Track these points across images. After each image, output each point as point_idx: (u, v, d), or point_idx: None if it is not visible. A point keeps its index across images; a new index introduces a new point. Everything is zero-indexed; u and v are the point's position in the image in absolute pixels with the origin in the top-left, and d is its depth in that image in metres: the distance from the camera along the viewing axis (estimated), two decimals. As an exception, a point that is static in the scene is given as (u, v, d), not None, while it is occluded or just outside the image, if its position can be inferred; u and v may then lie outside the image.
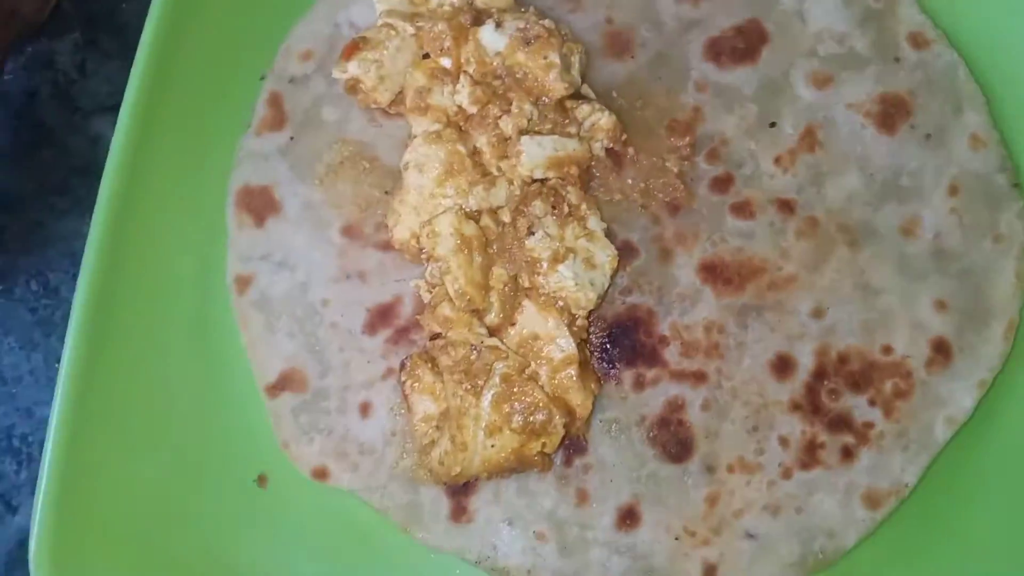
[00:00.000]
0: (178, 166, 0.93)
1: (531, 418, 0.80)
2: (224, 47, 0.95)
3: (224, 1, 0.96)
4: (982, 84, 0.92)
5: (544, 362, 0.83)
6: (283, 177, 0.93)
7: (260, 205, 0.93)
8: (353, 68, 0.89)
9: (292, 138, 0.94)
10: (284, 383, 0.89)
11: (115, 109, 0.90)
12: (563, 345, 0.82)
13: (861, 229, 0.89)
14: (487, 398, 0.80)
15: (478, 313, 0.83)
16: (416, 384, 0.83)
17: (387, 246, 0.90)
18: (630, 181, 0.90)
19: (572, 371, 0.82)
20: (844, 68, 0.92)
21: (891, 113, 0.91)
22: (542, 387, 0.81)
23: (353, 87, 0.90)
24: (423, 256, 0.85)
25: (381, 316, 0.90)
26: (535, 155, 0.85)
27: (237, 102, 0.95)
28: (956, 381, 0.86)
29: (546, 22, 0.87)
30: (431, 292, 0.85)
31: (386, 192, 0.91)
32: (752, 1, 0.93)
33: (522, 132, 0.85)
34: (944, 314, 0.87)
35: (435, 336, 0.84)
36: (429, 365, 0.83)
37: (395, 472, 0.86)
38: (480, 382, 0.81)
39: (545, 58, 0.86)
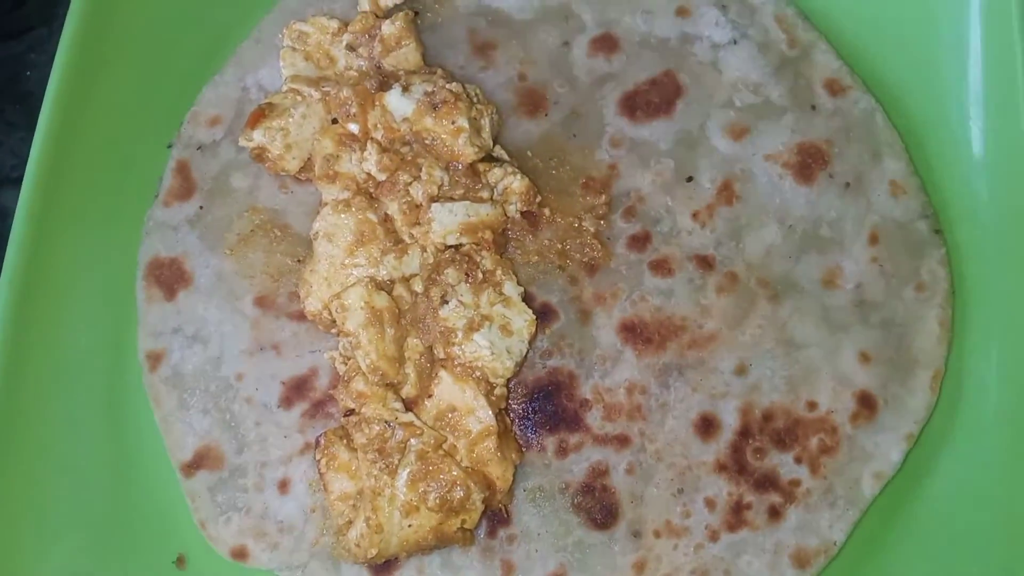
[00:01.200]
0: (85, 240, 0.91)
1: (448, 495, 0.78)
2: (129, 115, 0.93)
3: (129, 68, 0.93)
4: (901, 129, 0.91)
5: (462, 434, 0.81)
6: (193, 248, 0.90)
7: (170, 277, 0.90)
8: (259, 136, 0.87)
9: (201, 207, 0.91)
10: (200, 461, 0.87)
11: (20, 181, 0.88)
12: (481, 416, 0.80)
13: (782, 282, 0.87)
14: (402, 477, 0.78)
15: (393, 386, 0.81)
16: (331, 462, 0.81)
17: (301, 316, 0.87)
18: (547, 242, 0.88)
19: (491, 443, 0.80)
20: (760, 118, 0.91)
21: (809, 163, 0.90)
22: (459, 462, 0.79)
23: (260, 155, 0.88)
24: (334, 330, 0.83)
25: (297, 389, 0.87)
26: (447, 222, 0.83)
27: (144, 172, 0.93)
28: (882, 434, 0.85)
29: (453, 85, 0.85)
30: (346, 364, 0.83)
31: (299, 261, 0.89)
32: (666, 53, 0.92)
33: (433, 199, 0.84)
34: (868, 366, 0.86)
35: (349, 412, 0.81)
36: (344, 442, 0.81)
37: (316, 550, 0.84)
38: (395, 460, 0.79)
39: (453, 123, 0.84)
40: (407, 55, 0.89)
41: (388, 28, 0.89)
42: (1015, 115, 0.86)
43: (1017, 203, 0.86)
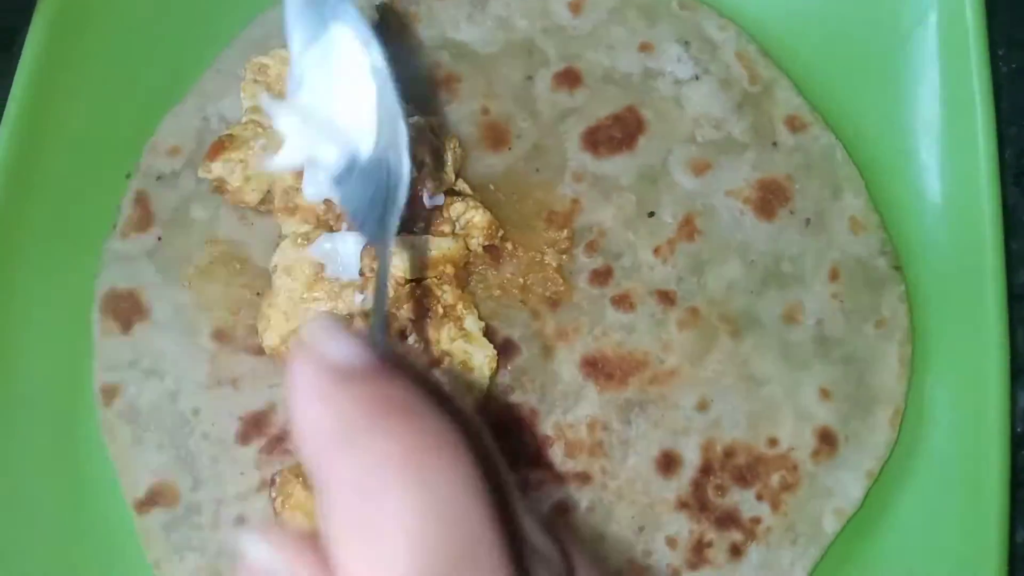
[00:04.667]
0: (42, 271, 0.89)
1: (405, 534, 0.77)
2: (88, 145, 0.92)
3: (88, 98, 0.92)
4: (861, 166, 0.92)
5: (420, 472, 0.79)
6: (151, 280, 0.89)
7: (127, 310, 0.89)
8: (218, 168, 0.86)
9: (160, 239, 0.90)
10: (154, 498, 0.85)
11: (-25, 212, 0.86)
12: (439, 454, 0.79)
13: (743, 318, 0.87)
14: (358, 515, 0.77)
15: (351, 423, 0.79)
16: (287, 501, 0.79)
17: (260, 351, 0.86)
18: (509, 276, 0.88)
19: (449, 481, 0.79)
20: (722, 154, 0.91)
21: (770, 199, 0.90)
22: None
23: (220, 187, 0.87)
24: (292, 365, 0.81)
25: (254, 425, 0.86)
26: (407, 256, 0.83)
27: (103, 202, 0.91)
28: (843, 471, 0.85)
29: (415, 119, 0.85)
30: (303, 400, 0.82)
31: (258, 294, 0.87)
32: (628, 88, 0.92)
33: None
34: (829, 403, 0.86)
35: (305, 450, 0.80)
36: (300, 480, 0.79)
37: (271, 590, 0.82)
38: (351, 498, 0.77)
39: (415, 157, 0.83)
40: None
41: None
42: (972, 153, 0.87)
43: (974, 240, 0.87)
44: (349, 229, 0.81)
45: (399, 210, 0.65)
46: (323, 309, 0.82)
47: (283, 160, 0.65)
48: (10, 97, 0.88)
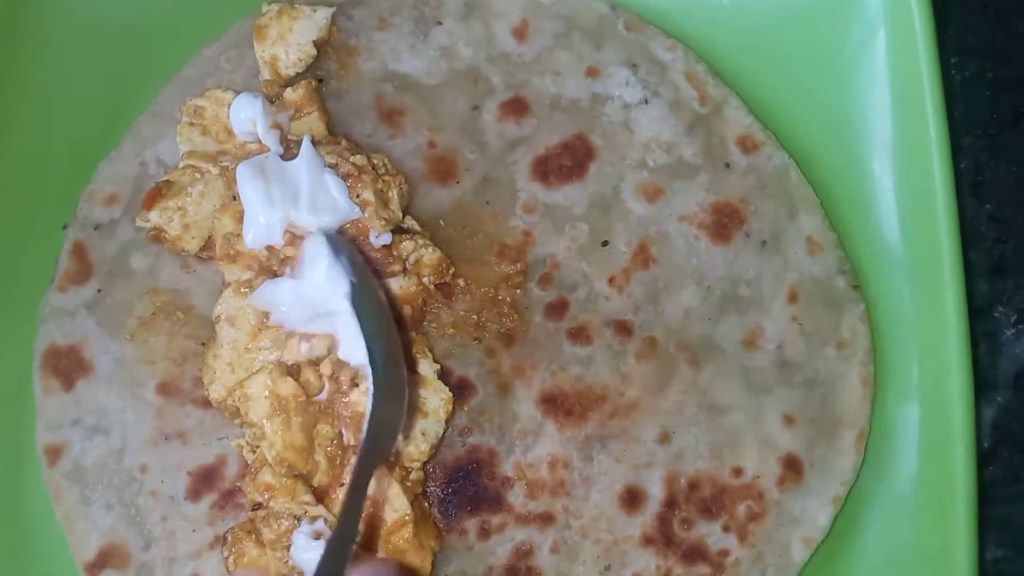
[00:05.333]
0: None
1: (363, 590, 0.74)
2: (22, 196, 0.89)
3: (20, 145, 0.89)
4: (816, 184, 0.90)
5: (378, 523, 0.77)
6: (92, 334, 0.86)
7: (68, 366, 0.86)
8: (155, 217, 0.83)
9: (100, 290, 0.87)
10: (104, 560, 0.83)
11: (-95, 268, 0.83)
12: (396, 505, 0.77)
13: (702, 345, 0.86)
14: (314, 573, 0.74)
15: (303, 476, 0.77)
16: (240, 559, 0.77)
17: (208, 403, 0.84)
18: (462, 314, 0.86)
19: (407, 532, 0.77)
20: (674, 178, 0.89)
21: (725, 222, 0.88)
22: (376, 554, 0.76)
23: (158, 236, 0.84)
24: (238, 420, 0.79)
25: (204, 479, 0.83)
26: (356, 299, 0.80)
27: (39, 255, 0.88)
28: (809, 498, 0.84)
29: (357, 158, 0.83)
30: (253, 453, 0.79)
31: (203, 344, 0.85)
32: (576, 115, 0.90)
33: (339, 276, 0.80)
34: (792, 428, 0.85)
35: (257, 506, 0.78)
36: (253, 537, 0.77)
37: (228, 650, 0.80)
38: (306, 556, 0.75)
39: (358, 196, 0.81)
40: (310, 124, 0.87)
41: (290, 95, 0.87)
42: (926, 168, 0.86)
43: (932, 254, 0.85)
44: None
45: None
46: (269, 359, 0.80)
47: None
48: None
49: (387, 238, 0.83)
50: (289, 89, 0.87)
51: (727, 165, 0.90)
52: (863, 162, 0.90)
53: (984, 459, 0.91)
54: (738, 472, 0.83)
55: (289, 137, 0.86)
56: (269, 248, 0.81)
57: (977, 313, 0.91)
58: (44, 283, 0.88)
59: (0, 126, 0.89)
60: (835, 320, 0.87)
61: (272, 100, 0.86)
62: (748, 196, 0.89)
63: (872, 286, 0.89)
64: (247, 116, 0.82)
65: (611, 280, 0.87)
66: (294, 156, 0.83)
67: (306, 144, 0.81)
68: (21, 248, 0.88)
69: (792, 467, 0.84)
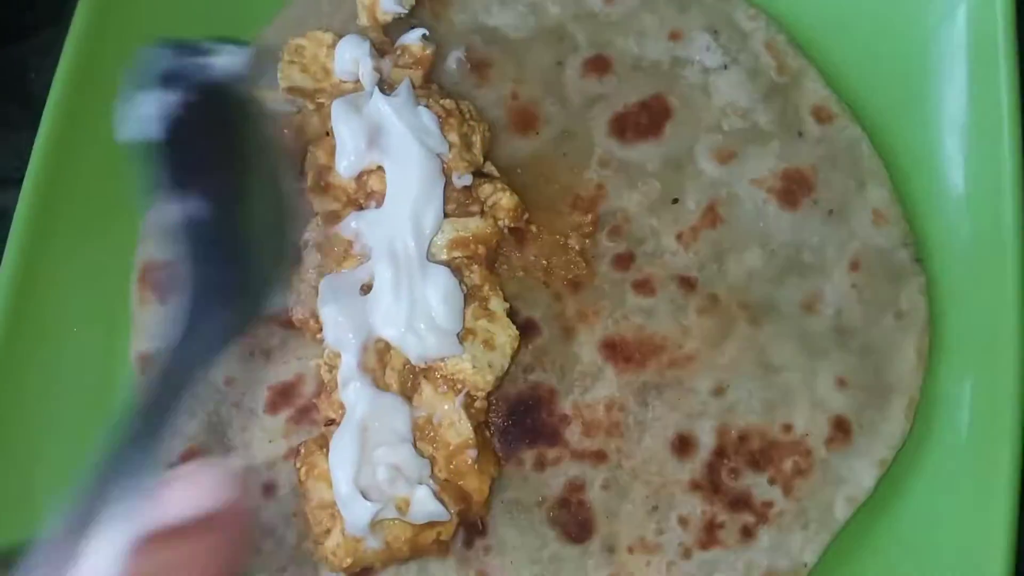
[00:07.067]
0: (83, 242, 0.93)
1: (424, 507, 0.80)
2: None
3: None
4: (886, 158, 0.92)
5: (441, 446, 0.82)
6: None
7: (164, 281, 0.92)
8: (254, 147, 0.88)
9: (197, 213, 0.93)
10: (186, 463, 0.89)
11: (22, 182, 0.90)
12: (460, 429, 0.82)
13: (762, 306, 0.89)
14: (379, 487, 0.80)
15: (375, 394, 0.82)
16: (311, 471, 0.82)
17: (291, 323, 0.89)
18: (532, 258, 0.90)
19: (469, 456, 0.82)
20: (748, 143, 0.92)
21: (793, 189, 0.91)
22: (437, 475, 0.81)
23: (255, 165, 0.89)
24: (319, 336, 0.85)
25: (283, 395, 0.89)
26: (438, 236, 0.85)
27: (143, 172, 0.94)
28: (856, 459, 0.86)
29: (446, 102, 0.87)
30: (331, 373, 0.85)
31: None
32: (657, 75, 0.93)
33: (422, 213, 0.85)
34: (844, 391, 0.87)
35: (330, 422, 0.83)
36: (324, 451, 0.82)
37: (296, 554, 0.86)
38: (373, 470, 0.80)
39: (445, 138, 0.86)
40: (408, 73, 0.91)
41: (415, 49, 0.91)
42: (998, 148, 0.87)
43: (996, 235, 0.87)
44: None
45: None
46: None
47: None
48: (56, 72, 0.91)
49: (468, 179, 0.87)
50: (417, 44, 0.91)
51: (800, 134, 0.92)
52: (935, 139, 0.92)
53: (1032, 437, 0.92)
54: (788, 429, 0.86)
55: (386, 81, 0.91)
56: (358, 181, 0.86)
57: (1037, 295, 0.92)
58: (147, 203, 0.94)
59: (117, 55, 0.94)
60: (895, 291, 0.89)
61: (376, 46, 0.91)
62: (819, 165, 0.91)
63: (935, 261, 0.90)
64: (352, 56, 0.87)
65: (679, 236, 0.90)
66: (387, 98, 0.88)
67: (405, 84, 0.85)
68: (128, 170, 0.94)
69: (841, 428, 0.86)
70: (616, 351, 0.88)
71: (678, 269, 0.89)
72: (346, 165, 0.84)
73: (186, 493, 0.55)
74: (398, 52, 0.90)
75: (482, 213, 0.88)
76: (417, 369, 0.84)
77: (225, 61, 0.65)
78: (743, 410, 0.87)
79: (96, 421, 0.90)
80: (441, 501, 0.79)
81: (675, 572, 0.84)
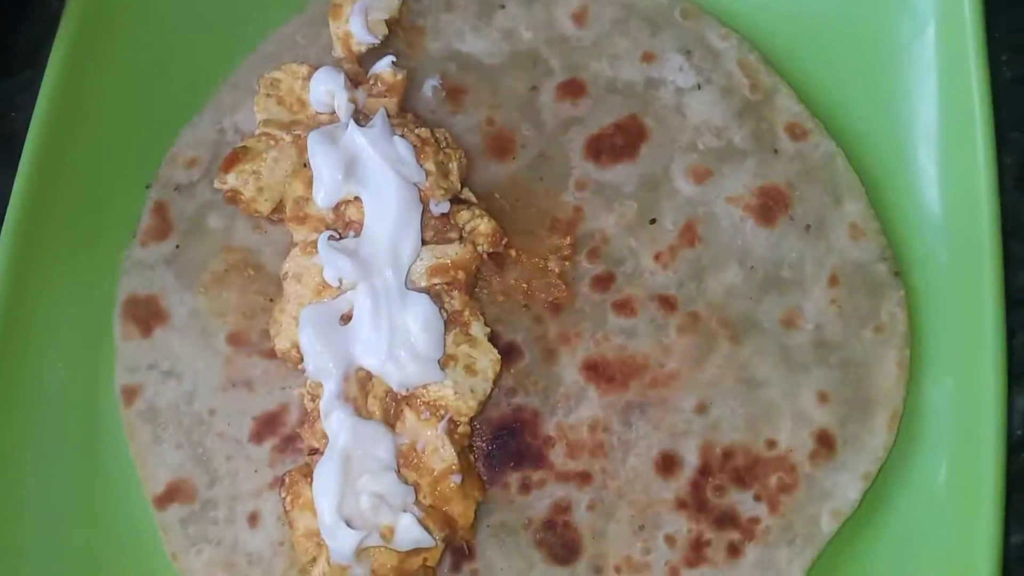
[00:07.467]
0: (65, 277, 0.93)
1: (409, 533, 0.80)
2: (110, 157, 0.96)
3: (110, 111, 0.96)
4: (861, 173, 0.93)
5: (425, 472, 0.82)
6: (169, 286, 0.93)
7: (147, 315, 0.93)
8: (232, 179, 0.89)
9: (178, 246, 0.94)
10: (172, 494, 0.89)
11: (2, 219, 0.90)
12: (444, 455, 0.82)
13: (742, 323, 0.89)
14: (364, 515, 0.80)
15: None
16: (296, 500, 0.82)
17: (273, 354, 0.90)
18: (513, 282, 0.90)
19: (453, 481, 0.82)
20: (723, 161, 0.93)
21: (770, 205, 0.92)
22: (422, 500, 0.81)
23: (234, 197, 0.90)
24: (301, 367, 0.85)
25: (267, 424, 0.89)
26: (417, 264, 0.86)
27: (123, 212, 0.95)
28: (840, 473, 0.86)
29: (422, 131, 0.88)
30: (313, 402, 0.85)
31: (271, 300, 0.91)
32: (631, 97, 0.94)
33: (400, 241, 0.86)
34: (827, 406, 0.87)
35: (314, 451, 0.83)
36: (308, 480, 0.82)
37: (283, 584, 0.86)
38: (358, 498, 0.80)
39: (421, 166, 0.86)
40: (383, 102, 0.92)
41: (386, 76, 0.91)
42: (971, 160, 0.88)
43: (973, 245, 0.87)
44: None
45: None
46: (332, 314, 0.85)
47: None
48: (35, 110, 0.92)
49: (445, 206, 0.88)
50: (388, 71, 0.92)
51: (775, 151, 0.93)
52: (909, 152, 0.93)
53: (1015, 446, 0.92)
54: (772, 444, 0.87)
55: (361, 111, 0.91)
56: (335, 211, 0.86)
57: (1015, 304, 0.92)
58: (127, 238, 0.95)
59: (93, 94, 0.96)
60: (874, 304, 0.90)
61: (350, 76, 0.92)
62: (794, 181, 0.92)
63: (913, 273, 0.91)
64: (326, 88, 0.88)
65: (657, 256, 0.90)
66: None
67: (380, 115, 0.86)
68: (107, 205, 0.95)
69: (825, 442, 0.87)
70: (598, 372, 0.88)
71: (657, 289, 0.90)
72: (323, 196, 0.85)
73: None
74: (371, 81, 0.91)
75: (461, 239, 0.88)
76: (399, 397, 0.84)
77: None
78: (727, 427, 0.87)
79: (82, 453, 0.91)
80: (426, 527, 0.79)
81: (663, 591, 0.84)
